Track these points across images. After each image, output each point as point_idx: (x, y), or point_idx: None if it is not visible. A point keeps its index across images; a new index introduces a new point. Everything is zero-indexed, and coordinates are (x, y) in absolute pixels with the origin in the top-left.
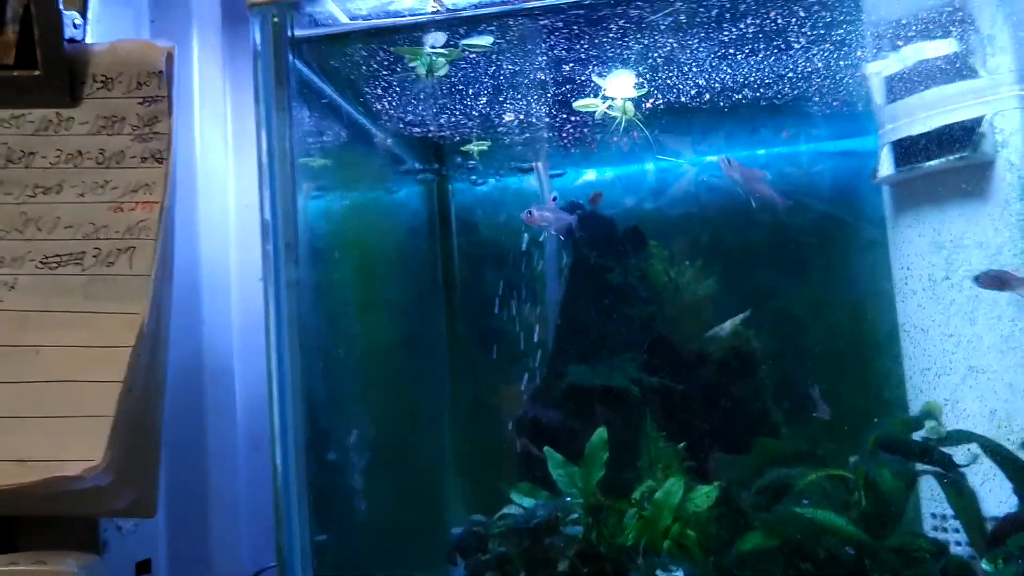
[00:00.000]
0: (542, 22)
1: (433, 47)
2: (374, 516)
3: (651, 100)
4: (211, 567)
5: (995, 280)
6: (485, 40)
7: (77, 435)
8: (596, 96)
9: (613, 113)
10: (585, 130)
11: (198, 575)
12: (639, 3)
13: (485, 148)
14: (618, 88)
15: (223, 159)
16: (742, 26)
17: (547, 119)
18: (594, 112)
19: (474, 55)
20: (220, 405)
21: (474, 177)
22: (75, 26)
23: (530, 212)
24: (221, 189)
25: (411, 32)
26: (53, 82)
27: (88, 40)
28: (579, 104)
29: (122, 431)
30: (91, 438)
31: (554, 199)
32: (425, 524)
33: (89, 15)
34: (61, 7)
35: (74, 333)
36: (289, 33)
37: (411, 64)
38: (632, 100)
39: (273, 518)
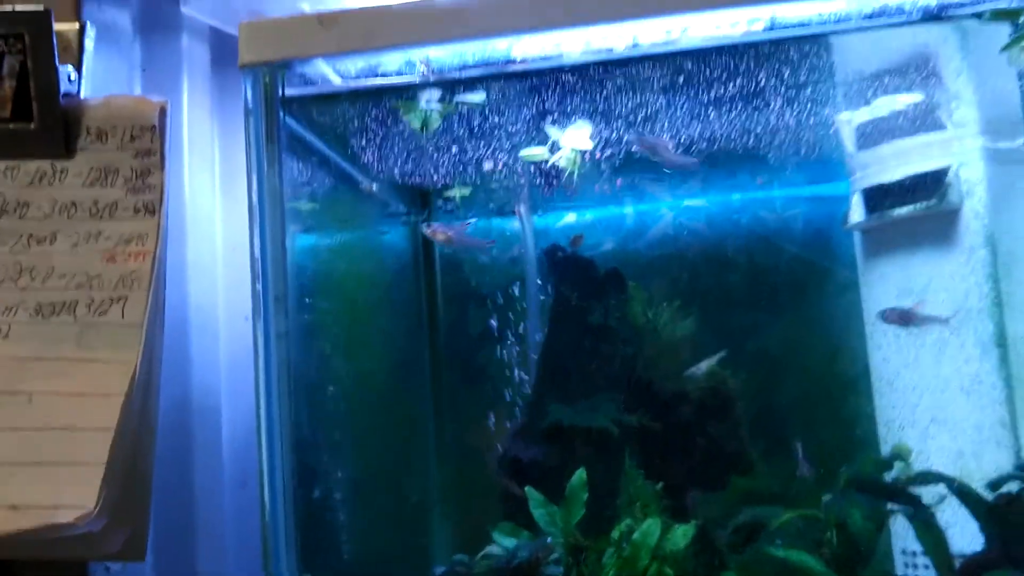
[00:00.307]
0: (525, 83)
1: (428, 102)
2: (359, 554)
3: (632, 149)
4: None
5: (900, 316)
6: (478, 96)
7: (70, 482)
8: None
9: (562, 163)
10: (573, 177)
11: None
12: (617, 68)
13: (467, 194)
14: (571, 139)
15: (211, 202)
16: (730, 86)
17: (531, 167)
18: (569, 159)
19: (463, 109)
20: (208, 443)
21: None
22: (70, 80)
23: (429, 224)
24: (209, 231)
25: (399, 92)
26: (48, 135)
27: (83, 92)
28: (524, 153)
29: (114, 477)
30: (84, 485)
31: (467, 224)
32: (409, 562)
33: (83, 69)
34: (57, 62)
35: (67, 381)
36: (280, 92)
37: (406, 118)
38: (590, 150)
39: (261, 556)
